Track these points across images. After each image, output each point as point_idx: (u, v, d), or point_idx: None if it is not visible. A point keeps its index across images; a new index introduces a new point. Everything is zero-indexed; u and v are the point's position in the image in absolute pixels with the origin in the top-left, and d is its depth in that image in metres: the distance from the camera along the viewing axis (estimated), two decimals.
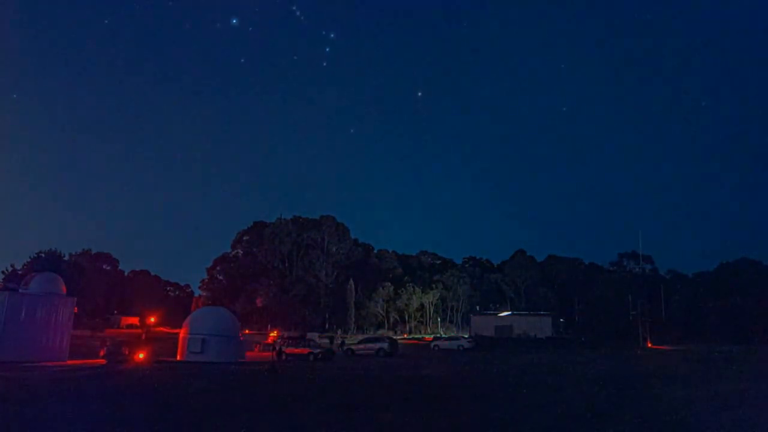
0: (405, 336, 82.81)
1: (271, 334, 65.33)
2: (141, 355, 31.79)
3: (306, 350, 40.15)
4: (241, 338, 39.54)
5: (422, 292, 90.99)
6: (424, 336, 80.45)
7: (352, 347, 46.86)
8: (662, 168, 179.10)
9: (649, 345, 66.86)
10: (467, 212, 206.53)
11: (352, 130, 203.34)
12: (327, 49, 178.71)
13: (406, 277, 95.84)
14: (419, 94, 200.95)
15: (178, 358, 33.98)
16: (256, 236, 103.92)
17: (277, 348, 39.17)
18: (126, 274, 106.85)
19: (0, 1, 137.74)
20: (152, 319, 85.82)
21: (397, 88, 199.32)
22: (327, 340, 56.17)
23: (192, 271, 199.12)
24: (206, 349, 32.95)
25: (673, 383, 23.20)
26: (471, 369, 31.53)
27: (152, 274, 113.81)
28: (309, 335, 57.19)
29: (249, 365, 31.29)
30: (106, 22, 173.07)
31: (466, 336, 65.47)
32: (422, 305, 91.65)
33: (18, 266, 67.31)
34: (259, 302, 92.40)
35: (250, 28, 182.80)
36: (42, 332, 29.00)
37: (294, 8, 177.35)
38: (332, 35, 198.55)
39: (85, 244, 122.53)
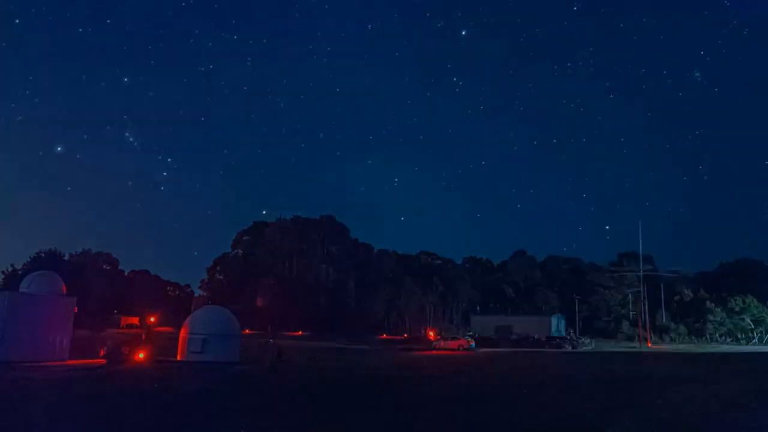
0: (405, 336, 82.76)
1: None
2: (141, 355, 31.72)
3: None
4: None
5: (422, 292, 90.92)
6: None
7: None
8: (662, 168, 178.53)
9: (649, 345, 66.90)
10: (467, 212, 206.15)
11: (352, 129, 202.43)
12: (164, 173, 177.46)
13: (406, 277, 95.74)
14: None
15: (178, 358, 33.93)
16: (256, 236, 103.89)
17: (278, 348, 39.08)
18: (126, 274, 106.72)
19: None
20: (152, 319, 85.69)
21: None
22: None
23: (192, 271, 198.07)
24: (206, 349, 32.89)
25: (673, 383, 23.20)
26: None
27: (152, 274, 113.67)
28: None
29: (249, 365, 31.26)
30: (108, 21, 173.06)
31: (466, 336, 65.38)
32: (422, 305, 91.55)
33: (18, 266, 67.28)
34: (259, 302, 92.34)
35: (78, 156, 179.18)
36: (42, 332, 28.92)
37: (127, 134, 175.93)
38: (169, 159, 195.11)
39: (85, 244, 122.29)
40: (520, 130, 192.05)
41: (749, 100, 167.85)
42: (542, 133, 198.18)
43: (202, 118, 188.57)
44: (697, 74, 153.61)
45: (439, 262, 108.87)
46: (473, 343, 57.46)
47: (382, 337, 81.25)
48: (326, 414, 14.54)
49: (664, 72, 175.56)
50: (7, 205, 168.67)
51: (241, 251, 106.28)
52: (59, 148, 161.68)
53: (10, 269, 67.52)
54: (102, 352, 30.96)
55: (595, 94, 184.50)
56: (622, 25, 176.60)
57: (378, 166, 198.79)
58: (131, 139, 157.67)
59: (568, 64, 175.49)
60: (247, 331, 71.65)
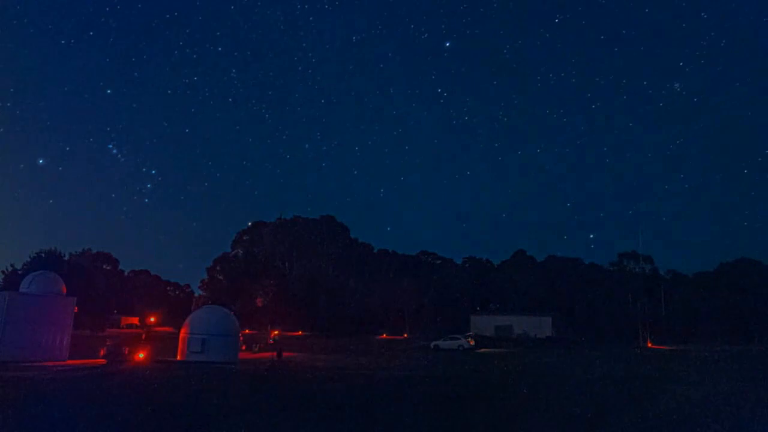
0: (405, 336, 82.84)
1: (274, 332, 65.52)
2: (141, 355, 31.78)
3: None
4: (241, 338, 39.58)
5: (422, 292, 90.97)
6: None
7: None
8: (662, 168, 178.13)
9: (649, 345, 66.90)
10: (467, 212, 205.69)
11: (352, 130, 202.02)
12: (148, 185, 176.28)
13: (406, 277, 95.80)
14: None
15: (178, 358, 33.98)
16: (256, 236, 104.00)
17: (278, 348, 39.18)
18: (126, 274, 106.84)
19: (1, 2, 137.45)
20: (152, 319, 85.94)
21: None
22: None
23: (192, 271, 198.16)
24: (206, 349, 32.95)
25: (673, 383, 23.21)
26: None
27: (152, 274, 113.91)
28: None
29: (249, 365, 31.29)
30: (91, 33, 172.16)
31: (466, 335, 65.37)
32: (422, 305, 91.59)
33: (18, 266, 67.16)
34: (259, 302, 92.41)
35: (60, 168, 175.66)
36: (42, 332, 28.97)
37: (110, 146, 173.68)
38: (153, 171, 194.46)
39: (85, 244, 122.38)
40: (520, 130, 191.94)
41: (751, 98, 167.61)
42: (542, 132, 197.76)
43: (186, 130, 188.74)
44: (676, 85, 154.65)
45: (439, 262, 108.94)
46: (472, 343, 57.63)
47: (382, 337, 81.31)
48: (326, 414, 14.55)
49: (645, 83, 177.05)
50: (7, 205, 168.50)
51: (241, 251, 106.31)
52: (41, 161, 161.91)
53: (10, 269, 67.35)
54: (102, 352, 31.02)
55: (595, 93, 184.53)
56: (603, 36, 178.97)
57: (378, 165, 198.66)
58: (114, 151, 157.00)
59: (551, 75, 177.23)
60: (247, 331, 71.87)
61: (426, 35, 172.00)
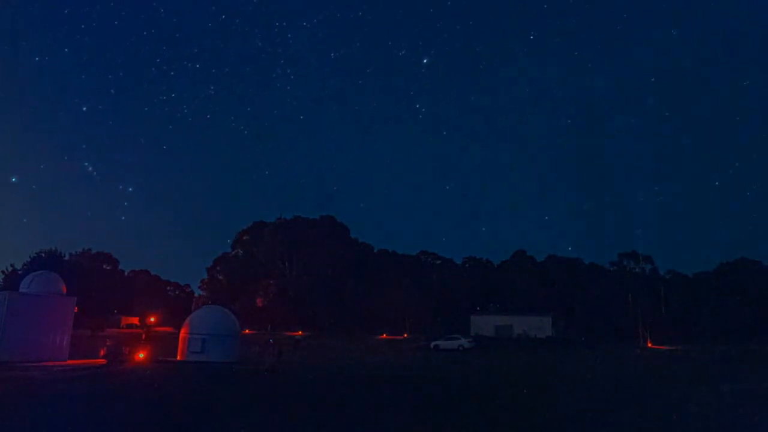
0: (405, 336, 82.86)
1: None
2: (141, 355, 31.77)
3: None
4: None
5: (422, 292, 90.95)
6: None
7: None
8: (662, 168, 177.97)
9: (649, 345, 66.89)
10: (467, 212, 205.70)
11: (351, 131, 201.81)
12: (125, 204, 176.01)
13: (406, 277, 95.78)
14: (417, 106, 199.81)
15: (178, 358, 33.97)
16: (256, 236, 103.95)
17: (278, 348, 39.13)
18: (126, 274, 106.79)
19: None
20: (152, 319, 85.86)
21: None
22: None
23: (192, 271, 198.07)
24: (206, 349, 32.94)
25: (674, 383, 23.23)
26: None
27: (152, 274, 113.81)
28: None
29: (249, 365, 31.27)
30: (66, 50, 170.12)
31: (466, 336, 65.38)
32: (422, 305, 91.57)
33: (18, 266, 67.22)
34: (259, 302, 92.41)
35: (34, 186, 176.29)
36: (42, 332, 28.95)
37: (86, 164, 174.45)
38: (130, 189, 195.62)
39: (85, 244, 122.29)
40: (520, 130, 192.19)
41: (750, 99, 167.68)
42: (543, 133, 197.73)
43: (164, 146, 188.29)
44: (695, 75, 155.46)
45: (439, 262, 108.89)
46: (467, 343, 57.72)
47: (382, 336, 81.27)
48: (325, 414, 14.55)
49: (662, 71, 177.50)
50: (7, 205, 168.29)
51: (241, 251, 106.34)
52: (13, 179, 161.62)
53: (10, 269, 67.42)
54: (102, 352, 31.01)
55: (595, 94, 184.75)
56: (576, 53, 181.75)
57: (378, 165, 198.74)
58: (90, 168, 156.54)
59: (527, 90, 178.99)
60: (247, 331, 71.87)
61: (403, 51, 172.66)
